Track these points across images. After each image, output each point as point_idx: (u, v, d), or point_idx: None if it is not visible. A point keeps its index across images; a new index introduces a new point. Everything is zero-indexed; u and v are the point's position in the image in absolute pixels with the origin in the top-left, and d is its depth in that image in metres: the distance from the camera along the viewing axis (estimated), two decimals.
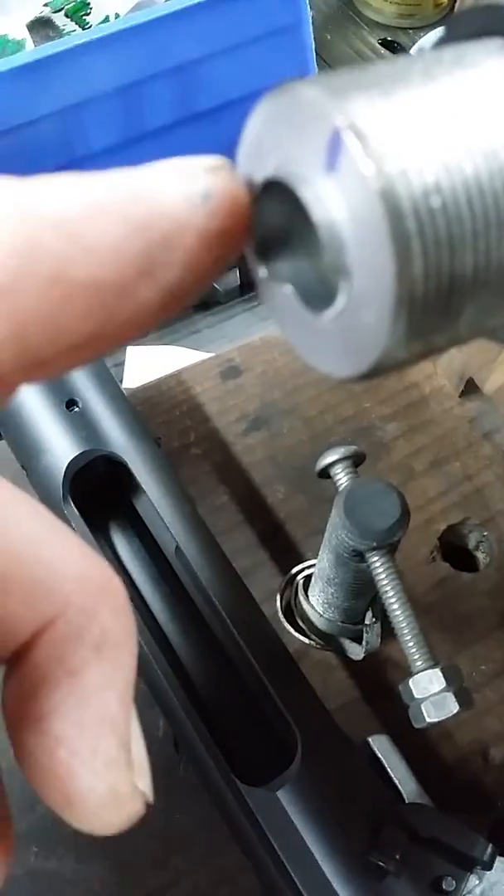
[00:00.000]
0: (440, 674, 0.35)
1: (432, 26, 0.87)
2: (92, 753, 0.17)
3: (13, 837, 0.19)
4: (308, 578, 0.48)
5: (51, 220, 0.16)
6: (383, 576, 0.37)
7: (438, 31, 0.20)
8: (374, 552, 0.37)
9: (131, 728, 0.17)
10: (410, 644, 0.36)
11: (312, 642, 0.47)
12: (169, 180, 0.17)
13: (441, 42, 0.19)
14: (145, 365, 0.66)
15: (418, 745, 0.45)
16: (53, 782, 0.17)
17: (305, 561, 0.50)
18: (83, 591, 0.17)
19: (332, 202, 0.16)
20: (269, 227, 0.18)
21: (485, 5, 0.19)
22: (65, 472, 0.45)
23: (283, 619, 0.48)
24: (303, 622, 0.48)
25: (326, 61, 0.83)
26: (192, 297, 0.18)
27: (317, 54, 0.78)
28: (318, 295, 0.18)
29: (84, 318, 0.16)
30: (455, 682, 0.35)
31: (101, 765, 0.17)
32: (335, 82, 0.16)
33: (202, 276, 0.18)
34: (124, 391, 0.61)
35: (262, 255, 0.19)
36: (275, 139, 0.17)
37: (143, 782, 0.18)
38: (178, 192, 0.17)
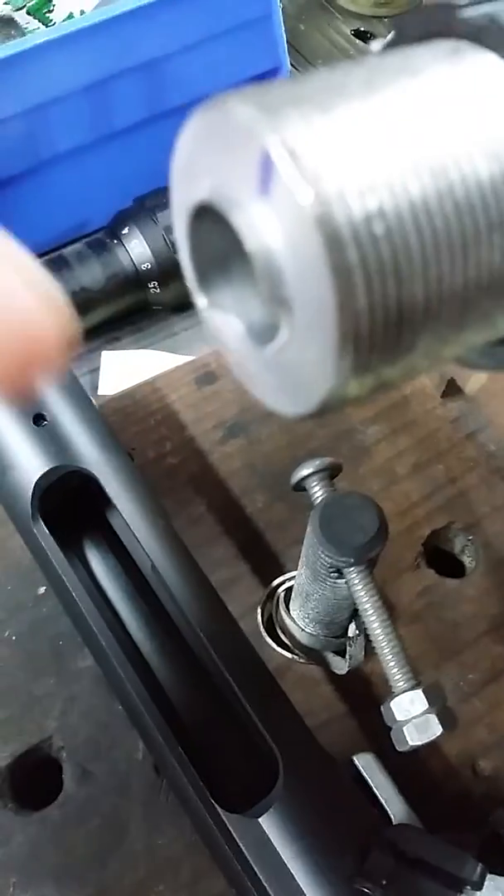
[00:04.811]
0: (422, 695, 0.33)
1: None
2: None
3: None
4: (289, 591, 0.46)
5: None
6: (362, 592, 0.36)
7: (389, 35, 0.18)
8: (352, 568, 0.36)
9: None
10: (391, 663, 0.35)
11: (295, 657, 0.46)
12: None
13: (390, 45, 0.18)
14: (121, 370, 0.65)
15: (406, 758, 0.44)
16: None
17: (287, 572, 0.49)
18: None
19: (266, 230, 0.15)
20: (208, 253, 0.17)
21: (434, 4, 0.17)
22: (33, 490, 0.43)
23: (264, 634, 0.47)
24: (285, 636, 0.46)
25: (300, 52, 0.81)
26: None
27: (290, 45, 0.76)
28: (262, 326, 0.16)
29: None
30: (437, 702, 0.34)
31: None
32: (268, 97, 0.15)
33: None
34: (100, 398, 0.60)
35: (201, 283, 0.17)
36: (208, 159, 0.16)
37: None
38: None
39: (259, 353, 0.16)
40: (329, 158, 0.14)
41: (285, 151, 0.14)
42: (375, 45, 0.18)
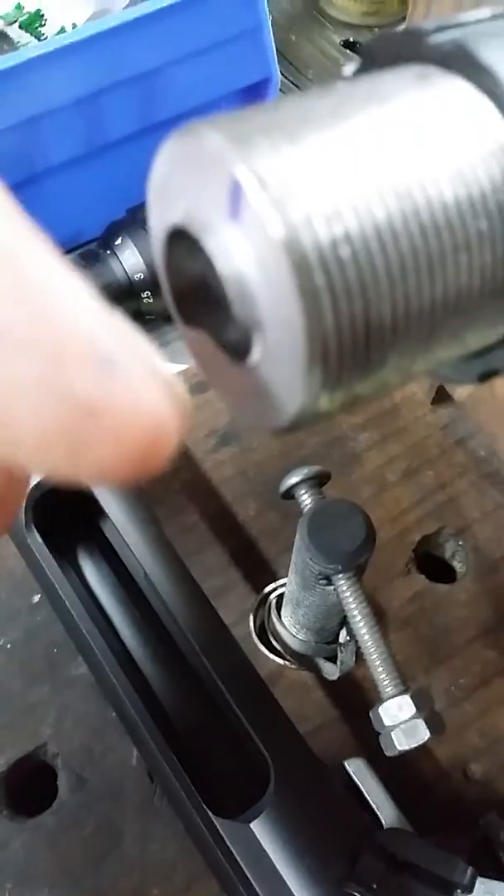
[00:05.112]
0: (410, 700, 0.34)
1: (398, 23, 0.86)
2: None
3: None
4: (281, 598, 0.47)
5: None
6: (350, 599, 0.36)
7: (357, 62, 0.19)
8: (341, 575, 0.36)
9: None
10: (379, 669, 0.35)
11: (287, 663, 0.46)
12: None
13: (360, 70, 0.18)
14: None
15: (397, 762, 0.44)
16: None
17: (279, 579, 0.49)
18: None
19: (237, 254, 0.15)
20: (184, 273, 0.17)
21: (401, 30, 0.18)
22: (27, 499, 0.44)
23: (256, 640, 0.47)
24: (277, 642, 0.47)
25: (291, 62, 0.82)
26: None
27: (281, 55, 0.77)
28: (237, 345, 0.17)
29: None
30: (425, 707, 0.34)
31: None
32: (239, 125, 0.15)
33: None
34: None
35: (178, 302, 0.18)
36: (182, 183, 0.16)
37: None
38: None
39: (233, 371, 0.17)
40: (296, 185, 0.14)
41: (254, 179, 0.14)
42: (347, 69, 0.18)
